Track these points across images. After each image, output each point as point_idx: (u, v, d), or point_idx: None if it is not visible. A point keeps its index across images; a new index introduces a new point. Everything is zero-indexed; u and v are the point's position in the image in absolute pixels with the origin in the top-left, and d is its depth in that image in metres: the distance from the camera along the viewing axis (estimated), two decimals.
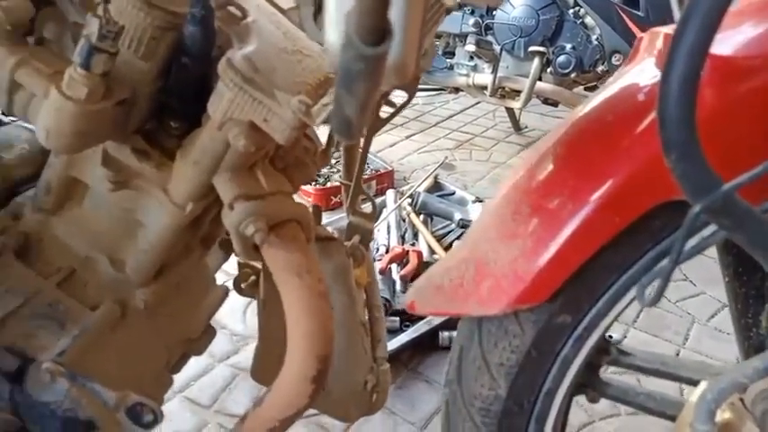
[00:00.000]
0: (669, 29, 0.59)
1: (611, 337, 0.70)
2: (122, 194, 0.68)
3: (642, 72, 0.56)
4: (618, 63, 2.10)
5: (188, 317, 0.83)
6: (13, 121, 0.82)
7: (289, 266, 0.64)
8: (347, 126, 0.39)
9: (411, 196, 2.13)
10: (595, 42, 2.11)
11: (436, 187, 2.30)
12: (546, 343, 0.61)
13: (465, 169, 2.65)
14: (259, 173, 0.67)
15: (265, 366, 0.92)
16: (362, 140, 0.87)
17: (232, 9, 0.59)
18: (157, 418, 0.67)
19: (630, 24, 2.03)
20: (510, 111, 2.88)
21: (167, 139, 0.67)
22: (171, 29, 0.57)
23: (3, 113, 0.84)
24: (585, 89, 2.34)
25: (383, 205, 2.18)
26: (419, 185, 2.22)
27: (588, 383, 0.69)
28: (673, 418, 0.69)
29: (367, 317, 0.93)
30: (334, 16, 0.38)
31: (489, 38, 2.25)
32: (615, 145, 0.52)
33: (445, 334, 1.62)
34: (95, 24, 0.50)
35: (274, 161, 0.73)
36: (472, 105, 3.34)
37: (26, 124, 0.80)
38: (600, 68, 2.15)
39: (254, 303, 1.79)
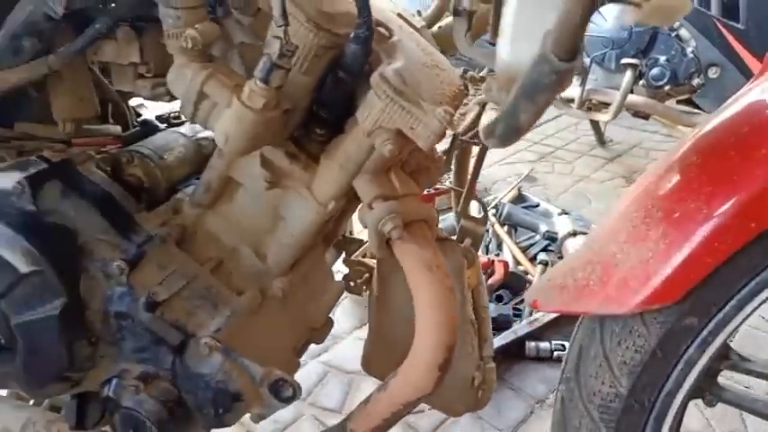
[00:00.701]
0: None
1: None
2: (272, 193, 0.76)
3: None
4: (715, 76, 2.04)
5: (313, 307, 0.90)
6: (168, 127, 0.94)
7: (421, 261, 0.70)
8: (515, 132, 0.44)
9: (495, 207, 2.16)
10: (691, 55, 2.07)
11: (520, 199, 2.32)
12: (671, 344, 0.64)
13: (547, 182, 2.64)
14: (393, 176, 0.74)
15: (376, 359, 0.98)
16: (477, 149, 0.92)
17: (381, 29, 0.66)
18: (296, 394, 0.74)
19: (729, 37, 1.98)
20: (594, 123, 2.85)
21: (311, 145, 0.75)
22: (332, 48, 0.64)
23: (158, 119, 0.95)
24: (678, 102, 2.29)
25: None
26: (504, 196, 2.24)
27: (706, 387, 0.70)
28: None
29: (474, 317, 0.97)
30: (509, 35, 0.44)
31: None
32: (752, 153, 0.54)
33: (532, 344, 1.63)
34: (276, 45, 0.58)
35: (403, 166, 0.79)
36: (554, 118, 3.32)
37: (180, 130, 0.90)
38: (695, 81, 2.10)
39: (344, 304, 1.87)
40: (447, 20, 0.89)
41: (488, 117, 0.61)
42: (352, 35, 0.62)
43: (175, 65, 0.64)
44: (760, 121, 0.56)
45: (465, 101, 0.69)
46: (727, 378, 0.72)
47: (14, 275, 0.69)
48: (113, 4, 0.70)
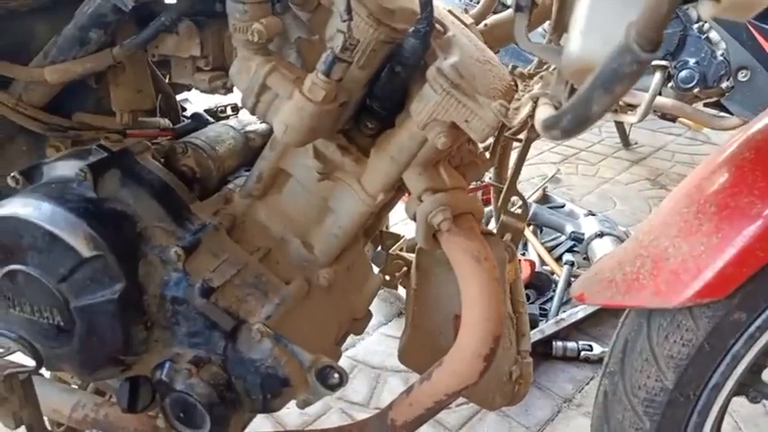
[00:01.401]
0: None
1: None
2: (321, 185, 0.78)
3: None
4: (745, 79, 2.03)
5: (355, 298, 0.92)
6: (217, 120, 0.96)
7: (469, 253, 0.72)
8: (584, 122, 0.45)
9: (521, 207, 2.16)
10: (720, 58, 2.06)
11: (545, 199, 2.32)
12: (719, 339, 0.64)
13: (571, 183, 2.64)
14: (442, 169, 0.76)
15: (413, 351, 0.99)
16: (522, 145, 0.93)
17: (437, 25, 0.68)
18: (342, 381, 0.75)
19: (760, 39, 1.96)
20: (619, 126, 2.84)
21: (361, 138, 0.77)
22: (389, 43, 0.66)
23: (206, 113, 0.98)
24: (705, 105, 2.27)
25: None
26: (530, 196, 2.25)
27: (750, 384, 0.71)
28: None
29: (512, 311, 0.98)
30: (582, 28, 0.45)
31: None
32: None
33: (559, 344, 1.64)
34: (340, 38, 0.60)
35: (450, 161, 0.81)
36: None
37: (229, 123, 0.93)
38: (724, 84, 2.08)
39: None
40: (493, 17, 0.91)
41: (543, 111, 0.62)
42: (412, 30, 0.64)
43: (239, 58, 0.66)
44: None
45: (516, 96, 0.71)
46: None
47: (76, 259, 0.72)
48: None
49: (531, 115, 0.64)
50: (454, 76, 0.64)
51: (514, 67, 0.76)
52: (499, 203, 0.96)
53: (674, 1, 0.34)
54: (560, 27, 0.54)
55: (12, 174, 0.76)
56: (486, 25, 0.89)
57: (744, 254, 0.58)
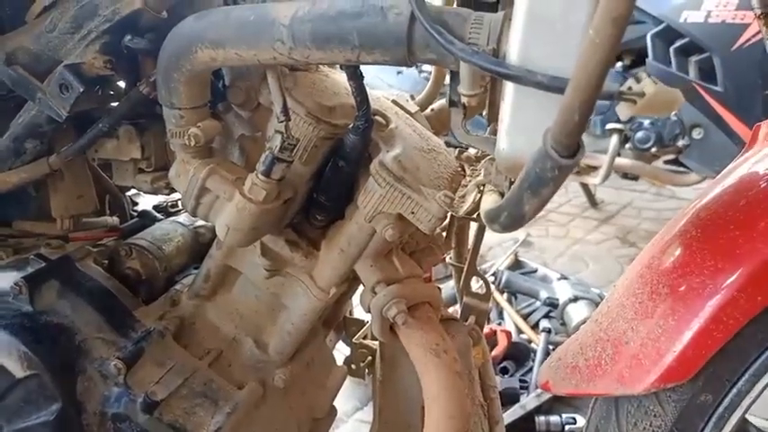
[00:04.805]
0: None
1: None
2: (272, 281, 0.75)
3: None
4: (699, 137, 2.10)
5: (316, 396, 0.87)
6: (166, 216, 0.94)
7: (428, 347, 0.68)
8: (518, 221, 0.44)
9: (494, 274, 2.14)
10: (674, 118, 2.13)
11: (517, 265, 2.31)
12: (688, 423, 0.61)
13: (543, 246, 2.64)
14: (395, 259, 0.74)
15: None
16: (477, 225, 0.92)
17: (378, 118, 0.68)
18: None
19: (709, 99, 2.04)
20: (585, 186, 2.89)
21: (311, 230, 0.75)
22: (330, 138, 0.65)
23: (155, 209, 0.95)
24: (665, 162, 2.33)
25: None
26: (501, 263, 2.24)
27: None
28: None
29: (482, 398, 0.94)
30: (507, 128, 0.45)
31: None
32: (753, 226, 0.55)
33: (542, 418, 1.58)
34: (278, 139, 0.59)
35: (404, 247, 0.79)
36: None
37: (179, 219, 0.90)
38: (680, 143, 2.15)
39: (344, 384, 1.82)
40: (438, 102, 0.92)
41: (488, 199, 0.61)
42: (351, 127, 0.63)
43: (177, 161, 0.65)
44: (756, 194, 0.57)
45: (463, 182, 0.70)
46: None
47: (9, 381, 0.67)
48: (115, 104, 0.72)
49: (478, 201, 0.63)
50: (397, 168, 0.63)
51: (461, 152, 0.77)
52: (460, 285, 0.94)
53: (587, 108, 0.33)
54: (494, 119, 0.54)
55: None
56: (432, 110, 0.90)
57: (702, 336, 0.56)
